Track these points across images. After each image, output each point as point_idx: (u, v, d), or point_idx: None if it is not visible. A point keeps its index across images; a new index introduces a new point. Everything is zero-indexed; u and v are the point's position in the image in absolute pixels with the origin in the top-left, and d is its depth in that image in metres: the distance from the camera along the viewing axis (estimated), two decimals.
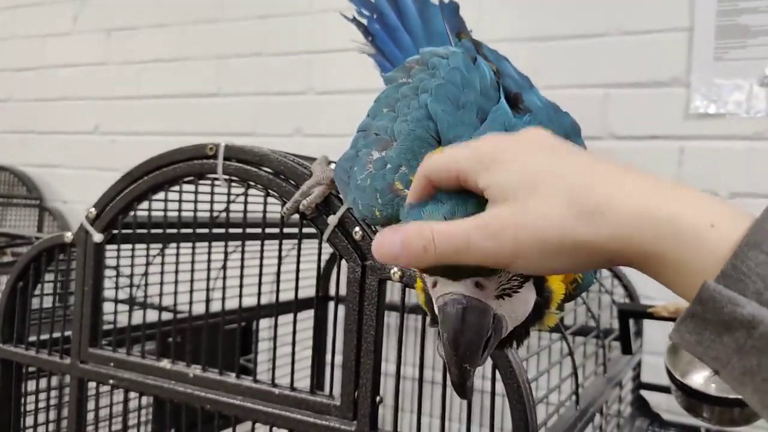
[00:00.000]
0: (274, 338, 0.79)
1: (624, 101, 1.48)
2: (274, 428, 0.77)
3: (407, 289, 0.70)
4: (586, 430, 0.91)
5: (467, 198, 0.41)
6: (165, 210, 0.87)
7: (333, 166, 0.74)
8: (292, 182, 0.75)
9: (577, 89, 1.52)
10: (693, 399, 0.88)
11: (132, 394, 0.91)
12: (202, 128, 2.03)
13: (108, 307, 0.93)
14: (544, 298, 0.47)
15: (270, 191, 0.77)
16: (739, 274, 0.31)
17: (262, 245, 0.79)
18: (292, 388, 0.76)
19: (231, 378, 0.80)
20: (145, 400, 1.11)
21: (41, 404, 0.99)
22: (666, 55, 1.44)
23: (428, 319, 0.49)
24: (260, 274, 0.80)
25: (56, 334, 0.95)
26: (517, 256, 0.36)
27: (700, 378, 0.89)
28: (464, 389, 0.43)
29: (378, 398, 0.70)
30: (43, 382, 1.01)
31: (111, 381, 0.88)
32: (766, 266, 0.30)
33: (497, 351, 0.57)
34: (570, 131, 0.59)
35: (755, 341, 0.30)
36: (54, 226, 2.23)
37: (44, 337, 0.96)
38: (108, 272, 0.94)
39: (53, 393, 1.01)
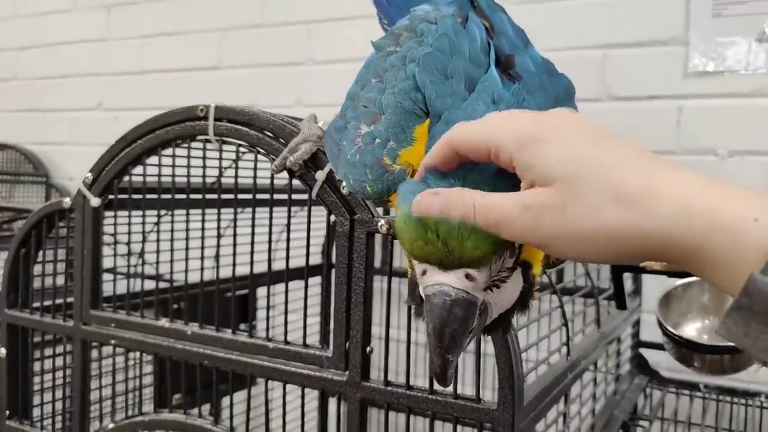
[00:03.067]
0: (267, 299, 0.80)
1: (622, 62, 1.47)
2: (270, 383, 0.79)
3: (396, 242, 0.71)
4: (578, 383, 0.93)
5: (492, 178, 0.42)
6: (159, 175, 0.88)
7: (321, 123, 0.75)
8: (282, 140, 0.76)
9: (575, 51, 1.51)
10: (684, 349, 0.89)
11: (135, 358, 0.93)
12: (204, 101, 2.02)
13: (106, 275, 0.95)
14: (529, 284, 0.47)
15: (259, 150, 0.78)
16: None
17: (254, 210, 0.81)
18: (286, 342, 0.78)
19: (227, 334, 0.81)
20: (150, 368, 1.14)
21: (47, 367, 1.02)
22: (664, 13, 1.42)
23: (413, 308, 0.49)
24: (252, 242, 0.81)
25: (59, 300, 0.98)
26: (553, 240, 0.37)
27: (692, 329, 0.91)
28: (446, 378, 0.43)
29: (368, 348, 0.72)
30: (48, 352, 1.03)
31: (112, 341, 0.90)
32: None
33: None
34: (562, 97, 0.57)
35: None
36: None
37: (48, 303, 0.99)
38: (106, 239, 0.95)
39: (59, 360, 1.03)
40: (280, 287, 0.81)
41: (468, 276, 0.41)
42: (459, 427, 0.67)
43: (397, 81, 0.57)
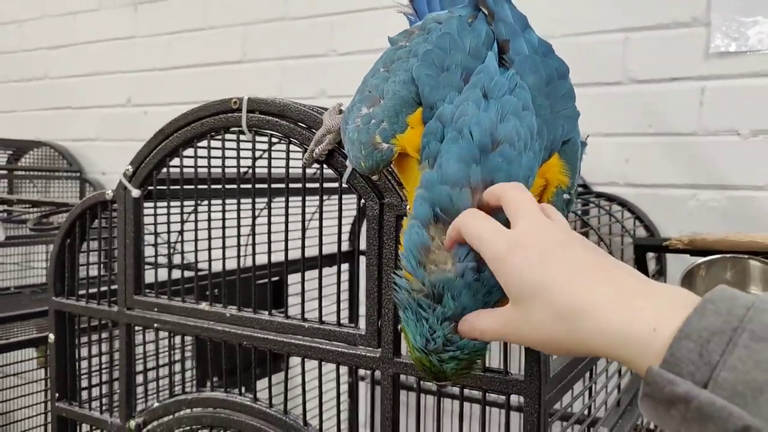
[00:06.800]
0: (302, 282, 0.84)
1: (643, 44, 1.48)
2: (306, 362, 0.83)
3: None
4: (598, 363, 0.95)
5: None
6: (195, 166, 0.92)
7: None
8: (313, 130, 0.80)
9: (596, 35, 1.52)
10: None
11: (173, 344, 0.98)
12: (230, 94, 2.07)
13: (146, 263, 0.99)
14: None
15: (291, 139, 0.82)
16: (675, 359, 0.39)
17: (287, 198, 0.84)
18: (321, 321, 0.82)
19: (264, 315, 0.86)
20: (186, 352, 1.18)
21: (93, 351, 1.07)
22: None
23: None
24: (286, 230, 0.85)
25: (104, 288, 1.03)
26: (530, 345, 0.52)
27: None
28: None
29: (400, 326, 0.75)
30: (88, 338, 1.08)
31: (155, 325, 0.95)
32: (694, 353, 0.38)
33: None
34: (555, 75, 0.63)
35: (692, 413, 0.37)
36: None
37: (93, 290, 1.04)
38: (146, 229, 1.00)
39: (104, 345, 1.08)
40: (308, 273, 0.86)
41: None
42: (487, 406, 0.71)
43: (400, 72, 0.63)
